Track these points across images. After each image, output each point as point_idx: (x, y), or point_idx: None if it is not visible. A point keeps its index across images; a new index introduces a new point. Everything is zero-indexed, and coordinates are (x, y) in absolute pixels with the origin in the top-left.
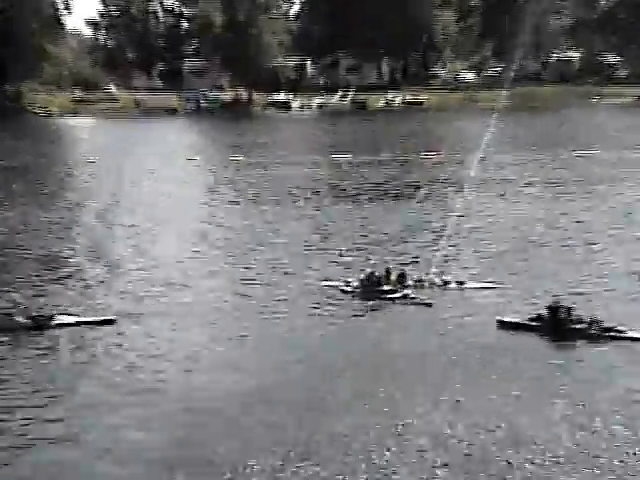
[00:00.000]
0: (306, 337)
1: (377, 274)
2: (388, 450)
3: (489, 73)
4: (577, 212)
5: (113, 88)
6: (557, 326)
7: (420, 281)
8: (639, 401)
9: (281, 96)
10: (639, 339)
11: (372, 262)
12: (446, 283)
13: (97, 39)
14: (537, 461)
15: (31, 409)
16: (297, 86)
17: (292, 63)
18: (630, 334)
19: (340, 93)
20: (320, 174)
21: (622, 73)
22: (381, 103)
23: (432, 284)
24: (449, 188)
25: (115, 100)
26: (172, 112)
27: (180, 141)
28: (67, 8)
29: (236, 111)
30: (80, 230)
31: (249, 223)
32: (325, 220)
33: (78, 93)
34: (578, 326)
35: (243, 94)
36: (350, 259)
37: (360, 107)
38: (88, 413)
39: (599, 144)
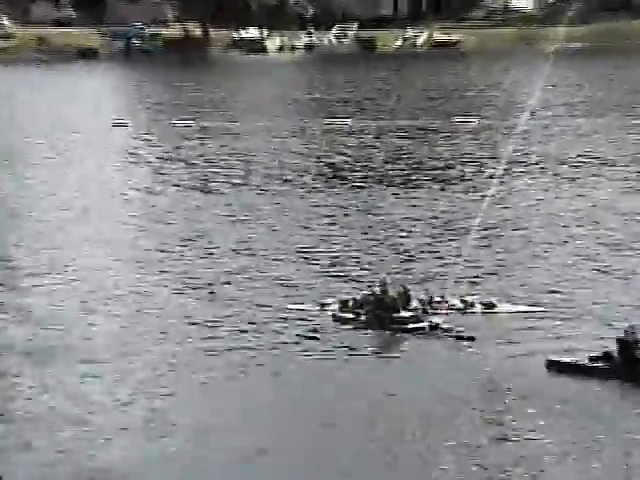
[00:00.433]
0: (305, 397)
1: (387, 293)
2: None
3: (554, 0)
4: None
5: (5, 21)
6: (633, 369)
7: (430, 302)
8: None
9: (251, 32)
10: None
11: (372, 274)
12: (468, 305)
13: None
14: None
15: None
16: (275, 19)
17: None
18: None
19: (337, 29)
20: (306, 146)
21: None
22: (397, 44)
23: (446, 306)
24: (487, 169)
25: (8, 38)
26: (91, 54)
27: (102, 97)
28: None
29: (185, 53)
30: None
31: (203, 224)
32: (310, 213)
33: None
34: None
35: (195, 30)
36: (344, 269)
37: (367, 48)
38: None
39: None
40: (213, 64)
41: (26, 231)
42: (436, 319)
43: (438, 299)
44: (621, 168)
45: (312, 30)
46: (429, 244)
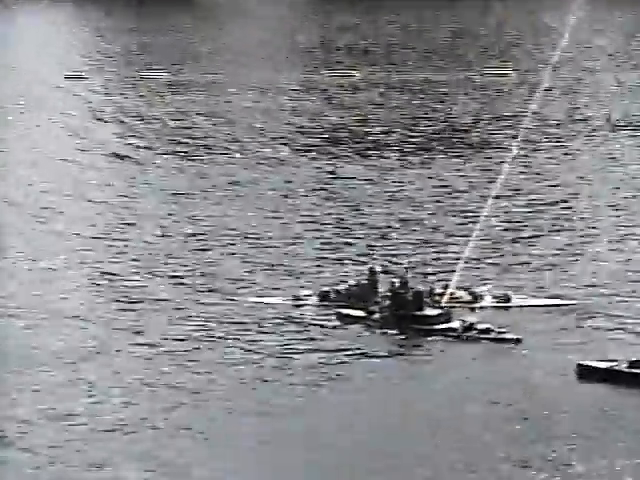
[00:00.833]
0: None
1: (407, 286)
2: None
3: None
4: None
5: None
6: None
7: (432, 295)
8: None
9: None
10: None
11: (375, 259)
12: (477, 298)
13: None
14: None
15: None
16: None
17: None
18: None
19: None
20: (305, 106)
21: None
22: None
23: (453, 298)
24: (521, 132)
25: None
26: None
27: (52, 42)
28: None
29: None
30: None
31: (190, 212)
32: (310, 188)
33: None
34: None
35: None
36: (347, 255)
37: None
38: None
39: None
40: (192, 3)
41: None
42: (469, 317)
43: (440, 290)
44: None
45: None
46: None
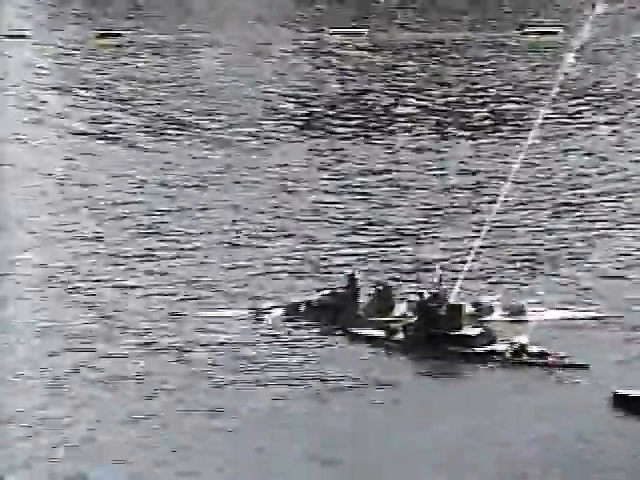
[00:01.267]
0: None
1: (443, 300)
2: None
3: None
4: None
5: None
6: None
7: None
8: None
9: None
10: None
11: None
12: (485, 311)
13: None
14: None
15: None
16: None
17: None
18: None
19: None
20: (299, 72)
21: None
22: None
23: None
24: (557, 104)
25: None
26: None
27: None
28: None
29: None
30: None
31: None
32: (308, 169)
33: None
34: None
35: None
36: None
37: None
38: None
39: None
40: None
41: None
42: (517, 338)
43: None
44: None
45: None
46: None
